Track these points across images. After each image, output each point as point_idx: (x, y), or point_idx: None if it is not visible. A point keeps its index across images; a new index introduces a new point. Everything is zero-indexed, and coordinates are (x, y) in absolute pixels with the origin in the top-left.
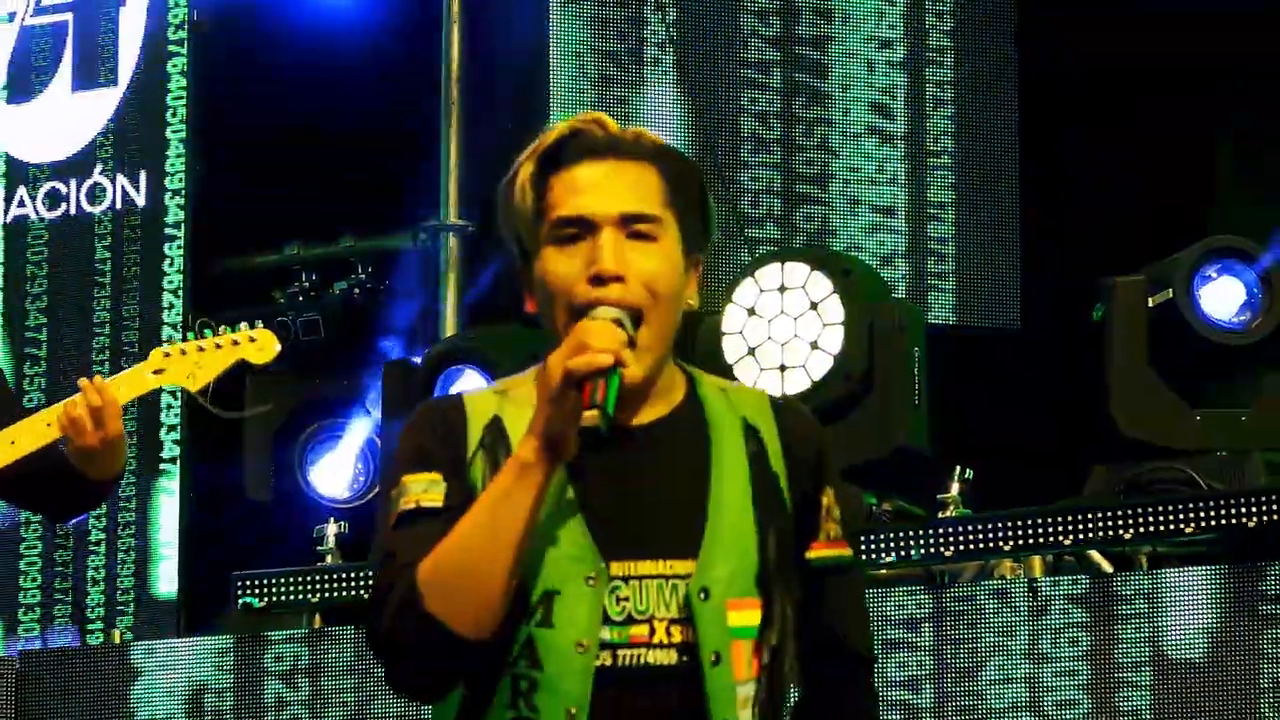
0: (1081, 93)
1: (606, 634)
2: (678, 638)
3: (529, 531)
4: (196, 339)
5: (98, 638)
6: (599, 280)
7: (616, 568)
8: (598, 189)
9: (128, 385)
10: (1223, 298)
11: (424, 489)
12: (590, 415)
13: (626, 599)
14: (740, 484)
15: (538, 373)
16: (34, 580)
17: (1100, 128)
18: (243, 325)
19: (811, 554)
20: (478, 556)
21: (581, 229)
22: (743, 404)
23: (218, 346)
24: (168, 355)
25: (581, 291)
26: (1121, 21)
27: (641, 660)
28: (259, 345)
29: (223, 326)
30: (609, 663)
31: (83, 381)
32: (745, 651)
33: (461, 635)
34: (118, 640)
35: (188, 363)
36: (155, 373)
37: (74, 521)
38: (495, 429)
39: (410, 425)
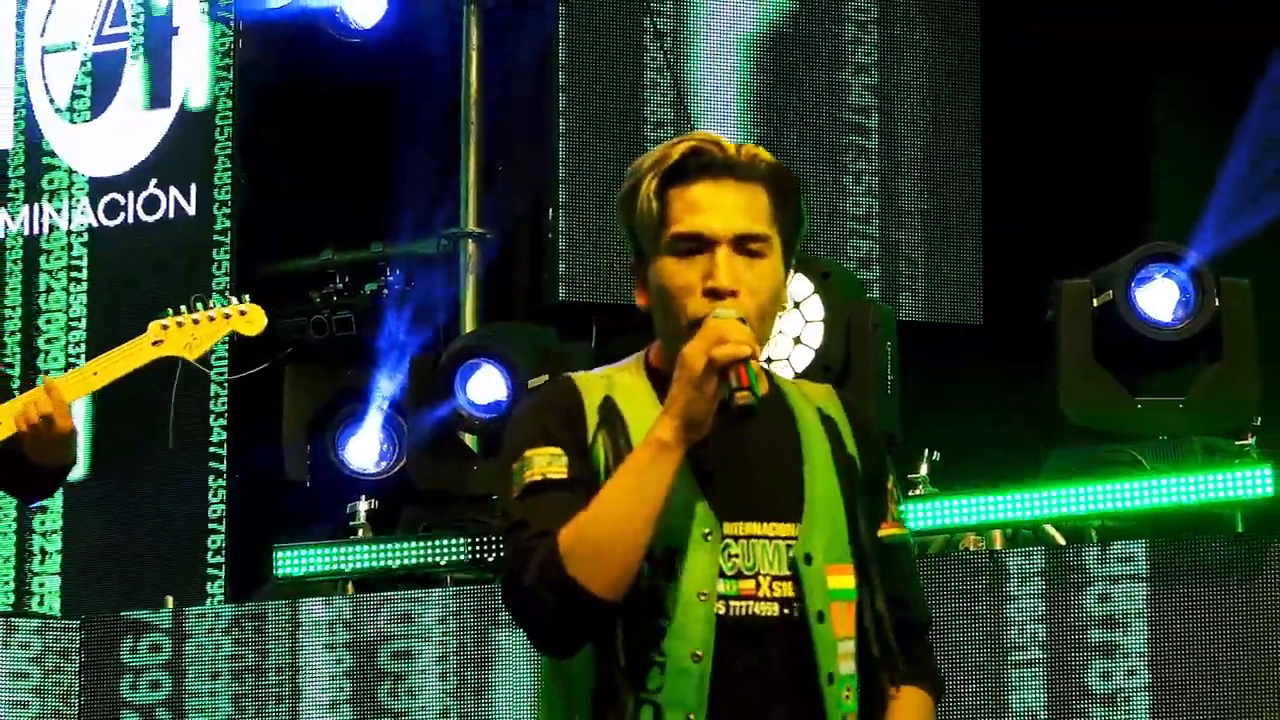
0: (1039, 108)
1: (721, 586)
2: (780, 593)
3: (663, 503)
4: (190, 313)
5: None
6: (715, 295)
7: (728, 528)
8: (715, 208)
9: (127, 359)
10: (1158, 298)
11: (548, 462)
12: (744, 395)
13: (737, 555)
14: (826, 461)
15: (650, 358)
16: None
17: (1054, 140)
18: (233, 300)
19: (883, 533)
20: (622, 527)
21: (699, 244)
22: (814, 395)
23: (211, 319)
24: (165, 328)
25: (698, 302)
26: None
27: (749, 611)
28: (249, 318)
29: (214, 300)
30: (722, 611)
31: (44, 381)
32: (842, 611)
33: (601, 597)
34: (171, 605)
35: (184, 334)
36: (155, 344)
37: (34, 505)
38: (609, 409)
39: (531, 405)
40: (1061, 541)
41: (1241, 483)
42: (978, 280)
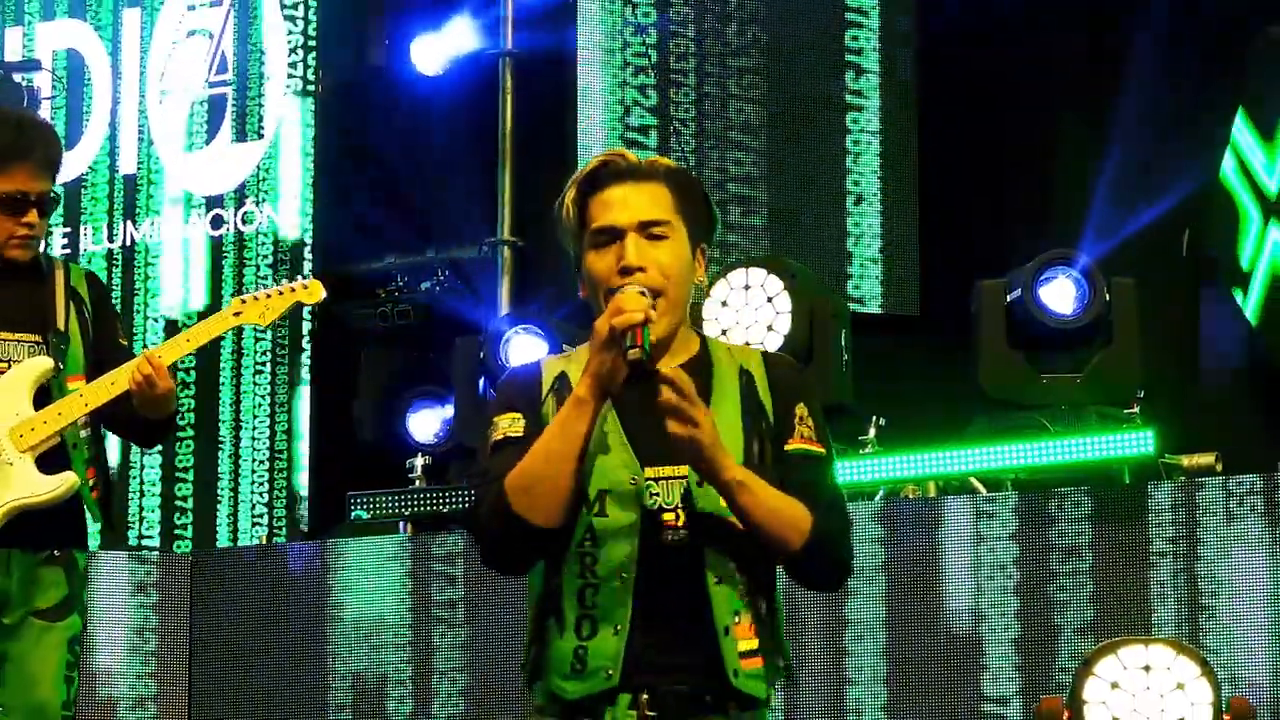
0: (970, 124)
1: (646, 521)
2: (685, 520)
3: (585, 448)
4: (263, 289)
5: (253, 539)
6: (626, 271)
7: (649, 471)
8: (622, 205)
9: (208, 328)
10: (1058, 294)
11: (509, 424)
12: (634, 353)
13: (656, 494)
14: (730, 405)
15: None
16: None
17: (976, 158)
18: (299, 277)
19: (788, 446)
20: (549, 468)
21: (612, 235)
22: (740, 356)
23: (280, 293)
24: (244, 301)
25: (614, 281)
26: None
27: (668, 538)
28: (310, 290)
29: (284, 280)
30: (647, 540)
31: (143, 353)
32: (732, 523)
33: (536, 526)
34: (266, 541)
35: (259, 306)
36: (235, 314)
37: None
38: (561, 380)
39: (502, 383)
40: (983, 491)
41: (1128, 443)
42: (916, 280)
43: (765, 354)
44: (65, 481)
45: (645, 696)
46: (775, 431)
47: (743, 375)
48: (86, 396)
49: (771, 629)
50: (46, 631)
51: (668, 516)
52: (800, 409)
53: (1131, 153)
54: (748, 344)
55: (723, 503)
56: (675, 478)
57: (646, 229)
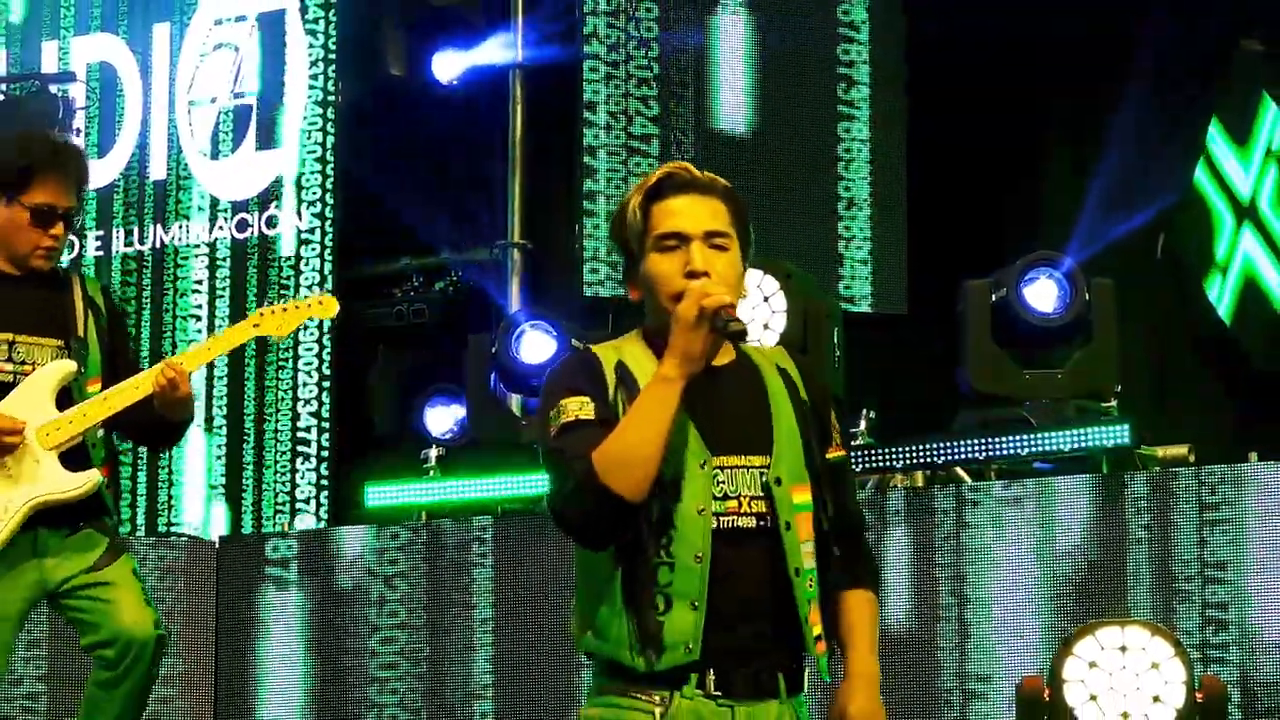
0: (956, 133)
1: (715, 506)
2: (756, 509)
3: (671, 426)
4: (281, 303)
5: (276, 525)
6: (693, 275)
7: (716, 460)
8: (688, 214)
9: (229, 338)
10: (1041, 294)
11: (579, 407)
12: (736, 323)
13: (723, 481)
14: (787, 405)
15: (645, 332)
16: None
17: (965, 165)
18: (314, 290)
19: (830, 455)
20: (640, 443)
21: (679, 240)
22: (771, 355)
23: (296, 307)
24: (262, 314)
25: (679, 282)
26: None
27: (733, 524)
28: (324, 306)
29: (299, 294)
30: (714, 525)
31: (168, 359)
32: (805, 520)
33: (626, 498)
34: (287, 529)
35: (276, 318)
36: (254, 325)
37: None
38: (622, 369)
39: (560, 369)
40: (968, 480)
41: (1106, 435)
42: (903, 280)
43: (791, 353)
44: (90, 480)
45: (713, 675)
46: (819, 432)
47: (782, 375)
48: (111, 399)
49: (825, 615)
50: (111, 572)
51: (730, 505)
52: (833, 414)
53: (1113, 161)
54: (765, 345)
55: (797, 499)
56: (742, 467)
57: (711, 238)
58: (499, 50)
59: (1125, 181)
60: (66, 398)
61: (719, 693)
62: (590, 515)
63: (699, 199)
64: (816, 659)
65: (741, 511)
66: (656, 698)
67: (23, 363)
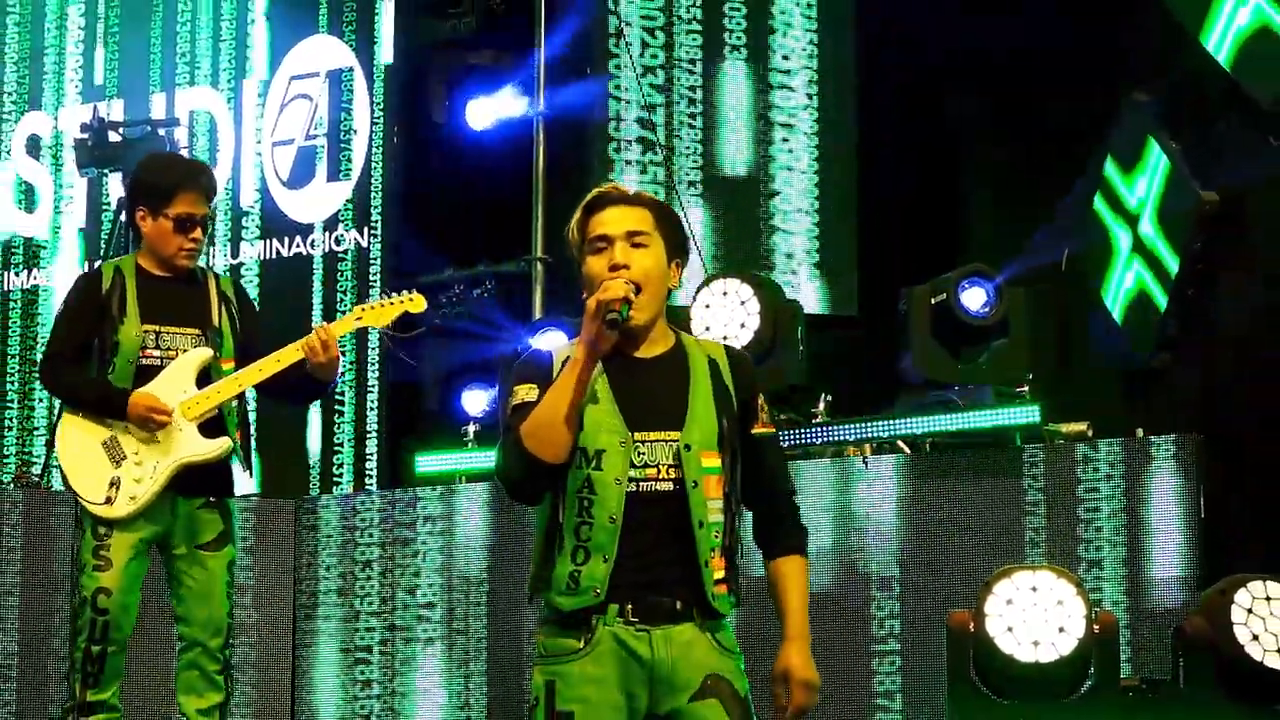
0: (902, 161)
1: (632, 473)
2: (672, 475)
3: (582, 399)
4: (381, 299)
5: (342, 489)
6: (614, 268)
7: (637, 435)
8: (613, 220)
9: (342, 325)
10: (974, 298)
11: (525, 392)
12: (611, 315)
13: (643, 453)
14: (706, 388)
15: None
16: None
17: (907, 184)
18: (407, 291)
19: (754, 431)
20: (553, 414)
21: (605, 243)
22: (708, 349)
23: (392, 303)
24: (365, 308)
25: (605, 276)
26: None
27: (652, 488)
28: (415, 303)
29: (395, 293)
30: (633, 489)
31: (317, 326)
32: (713, 481)
33: (545, 461)
34: (352, 491)
35: (376, 312)
36: (357, 319)
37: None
38: (567, 360)
39: (521, 362)
40: (908, 451)
41: (1019, 414)
42: (854, 285)
43: (726, 347)
44: (223, 444)
45: (630, 605)
46: (741, 415)
47: (710, 364)
48: (241, 379)
49: (733, 563)
50: (211, 559)
51: (649, 471)
52: (760, 399)
53: (1028, 191)
54: (709, 339)
55: (705, 464)
56: (661, 441)
57: (631, 237)
58: (516, 99)
59: (1033, 207)
60: (205, 377)
61: (635, 619)
62: (517, 474)
63: (625, 209)
64: (714, 598)
65: (659, 477)
66: (583, 625)
67: (168, 349)
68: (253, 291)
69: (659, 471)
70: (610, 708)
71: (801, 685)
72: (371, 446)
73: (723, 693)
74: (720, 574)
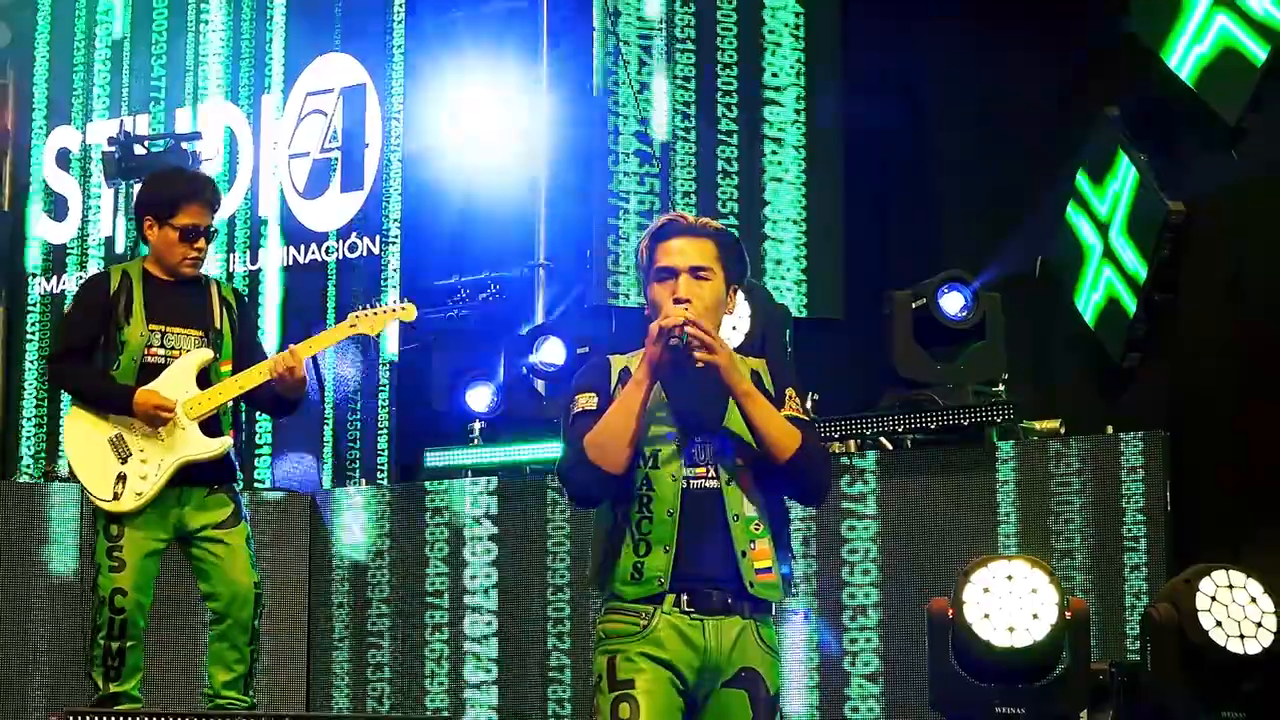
0: (885, 173)
1: (686, 471)
2: (715, 472)
3: (643, 415)
4: (373, 308)
5: (357, 484)
6: (678, 301)
7: (687, 437)
8: (679, 252)
9: (336, 333)
10: (952, 303)
11: (587, 400)
12: (674, 340)
13: (692, 453)
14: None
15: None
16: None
17: (891, 192)
18: (399, 300)
19: (784, 413)
20: (616, 428)
21: (670, 274)
22: (751, 363)
23: (385, 311)
24: (358, 316)
25: (669, 306)
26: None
27: (702, 485)
28: (407, 311)
29: (382, 301)
30: (686, 486)
31: (289, 349)
32: (747, 476)
33: (607, 471)
34: (364, 485)
35: (369, 320)
36: (351, 325)
37: (284, 419)
38: (625, 372)
39: (584, 370)
40: (890, 447)
41: (995, 412)
42: (840, 288)
43: (769, 362)
44: (224, 443)
45: (686, 596)
46: (776, 404)
47: (753, 374)
48: (241, 380)
49: (782, 552)
50: (230, 535)
51: (699, 470)
52: (790, 391)
53: (1003, 201)
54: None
55: (739, 460)
56: (710, 442)
57: (695, 272)
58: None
59: (1012, 216)
60: (205, 377)
61: (691, 609)
62: (581, 483)
63: (689, 240)
64: (754, 585)
65: (708, 475)
66: (643, 613)
67: (172, 349)
68: (273, 296)
69: (707, 470)
70: (665, 680)
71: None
72: (383, 443)
73: (752, 686)
74: (763, 563)
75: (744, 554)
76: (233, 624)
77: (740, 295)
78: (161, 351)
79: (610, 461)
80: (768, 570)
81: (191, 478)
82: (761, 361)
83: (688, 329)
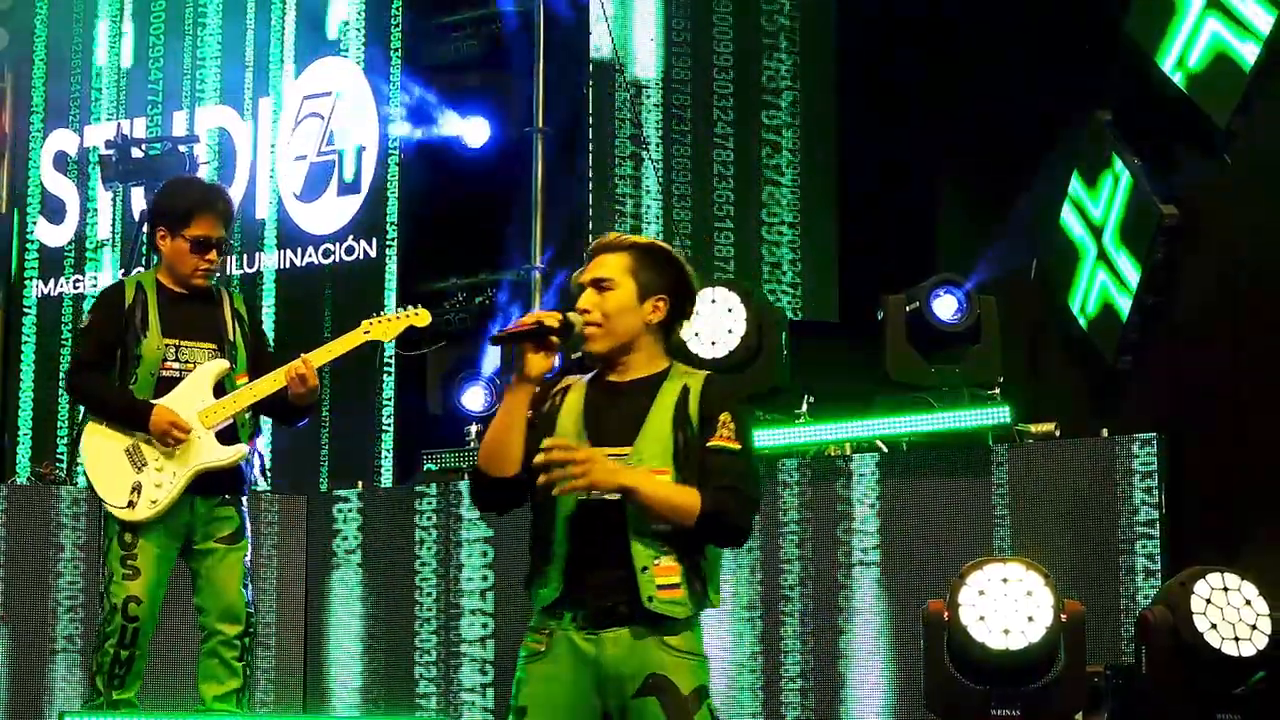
0: (880, 174)
1: None
2: None
3: (521, 419)
4: (387, 314)
5: (355, 488)
6: (580, 311)
7: (595, 450)
8: (588, 270)
9: (350, 340)
10: (945, 306)
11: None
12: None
13: None
14: (665, 409)
15: None
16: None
17: (887, 197)
18: (412, 306)
19: (708, 444)
20: (493, 435)
21: (581, 287)
22: (689, 376)
23: (398, 317)
24: (372, 323)
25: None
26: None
27: (602, 499)
28: (420, 317)
29: (398, 308)
30: (584, 498)
31: (300, 358)
32: None
33: (491, 474)
34: (360, 487)
35: (383, 325)
36: (365, 332)
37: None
38: (563, 389)
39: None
40: (885, 450)
41: (991, 415)
42: (834, 292)
43: (707, 375)
44: (239, 451)
45: (581, 611)
46: (700, 433)
47: (683, 389)
48: (256, 389)
49: (696, 568)
50: (229, 553)
51: None
52: (724, 416)
53: (1000, 205)
54: (701, 370)
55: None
56: (613, 455)
57: (597, 284)
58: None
59: (1004, 219)
60: (220, 387)
61: (586, 626)
62: (471, 489)
63: (603, 256)
64: (653, 601)
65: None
66: (546, 629)
67: (186, 362)
68: (269, 298)
69: None
70: (563, 707)
71: (591, 460)
72: (388, 442)
73: (661, 692)
74: (667, 580)
75: (645, 569)
76: (221, 641)
77: (737, 299)
78: (176, 365)
79: (489, 464)
80: (674, 586)
81: (204, 487)
82: (700, 378)
83: (550, 454)
